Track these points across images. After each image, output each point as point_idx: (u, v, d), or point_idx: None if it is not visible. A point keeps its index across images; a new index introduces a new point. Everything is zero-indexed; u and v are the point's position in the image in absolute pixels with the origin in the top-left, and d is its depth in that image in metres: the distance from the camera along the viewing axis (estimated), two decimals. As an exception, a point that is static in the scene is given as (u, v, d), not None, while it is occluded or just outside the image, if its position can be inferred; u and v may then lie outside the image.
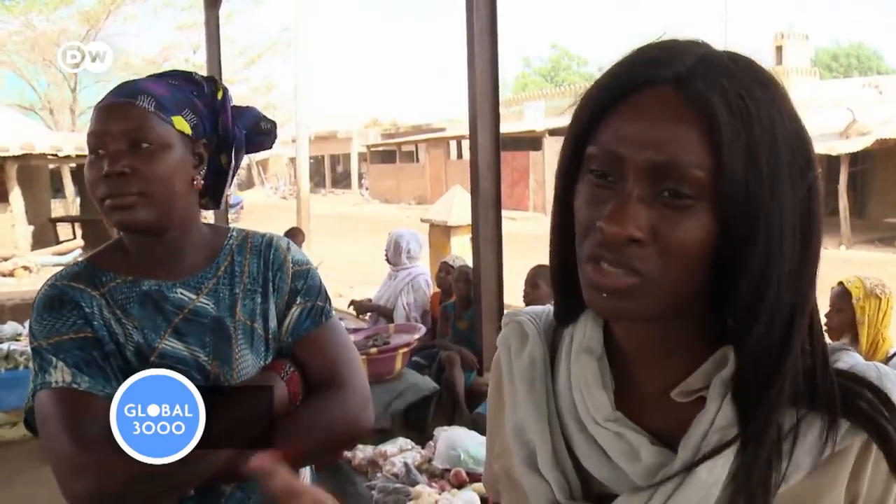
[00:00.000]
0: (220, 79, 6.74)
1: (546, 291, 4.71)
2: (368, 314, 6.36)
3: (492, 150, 4.45)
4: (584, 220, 0.76)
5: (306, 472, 1.54)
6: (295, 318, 1.46)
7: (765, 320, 0.72)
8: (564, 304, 0.89)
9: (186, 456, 1.23)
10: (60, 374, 1.27)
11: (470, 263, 5.71)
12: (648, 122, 0.72)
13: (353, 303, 6.30)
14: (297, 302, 1.48)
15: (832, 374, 0.75)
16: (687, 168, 0.69)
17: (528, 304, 4.78)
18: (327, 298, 1.54)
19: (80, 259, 1.43)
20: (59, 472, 1.22)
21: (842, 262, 13.52)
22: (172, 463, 1.21)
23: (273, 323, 1.46)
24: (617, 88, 0.75)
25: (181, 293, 1.40)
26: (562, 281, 0.86)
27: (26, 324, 5.68)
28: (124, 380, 1.28)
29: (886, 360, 3.08)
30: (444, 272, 5.81)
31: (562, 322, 0.91)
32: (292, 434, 1.34)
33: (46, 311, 1.33)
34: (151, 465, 1.20)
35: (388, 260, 6.14)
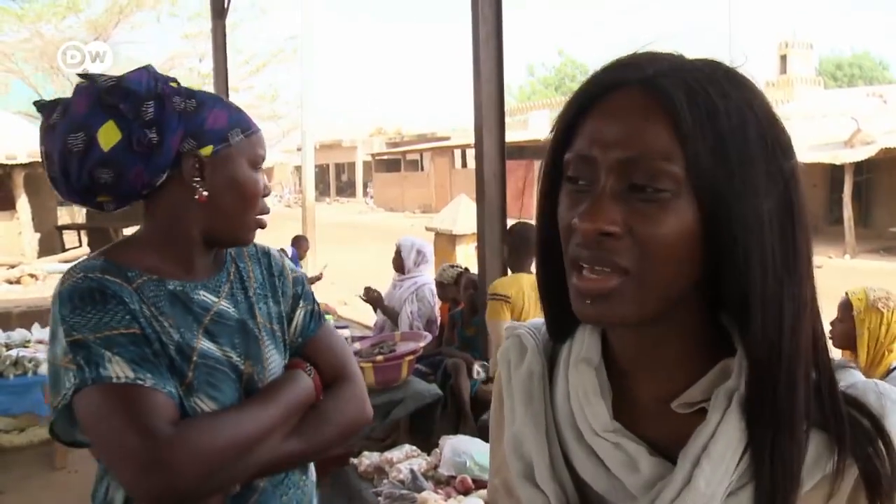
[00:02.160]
0: (227, 87, 6.75)
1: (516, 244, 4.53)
2: (374, 321, 6.34)
3: (497, 159, 4.47)
4: (564, 225, 0.77)
5: (312, 473, 1.57)
6: (300, 320, 1.55)
7: (757, 315, 0.72)
8: (555, 320, 0.89)
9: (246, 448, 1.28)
10: (120, 370, 1.22)
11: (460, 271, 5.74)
12: (616, 121, 0.73)
13: (367, 290, 6.14)
14: (300, 305, 1.57)
15: (839, 395, 0.75)
16: (656, 162, 0.70)
17: (510, 263, 4.61)
18: (317, 302, 1.64)
19: (91, 255, 1.39)
20: (130, 468, 1.19)
21: (847, 272, 13.50)
22: (234, 455, 1.26)
23: (285, 325, 1.53)
24: (589, 94, 0.77)
25: (204, 295, 1.42)
26: (550, 297, 0.87)
27: (34, 330, 5.70)
28: (174, 378, 1.28)
29: (887, 374, 3.06)
30: (452, 283, 5.80)
31: (556, 339, 0.91)
32: (321, 425, 1.44)
33: (88, 303, 1.27)
34: (222, 458, 1.24)
35: (395, 268, 6.13)
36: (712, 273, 0.74)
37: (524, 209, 26.34)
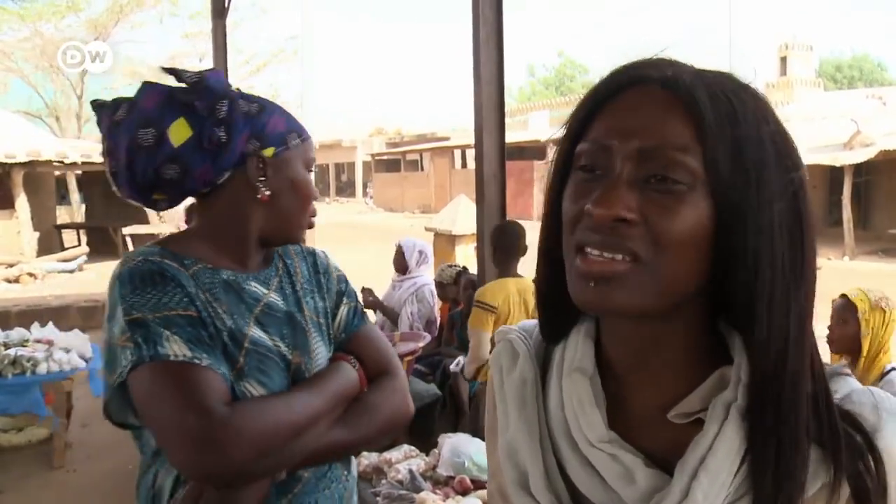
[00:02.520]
0: (227, 87, 6.79)
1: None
2: (374, 321, 6.32)
3: (497, 159, 4.45)
4: (570, 213, 0.76)
5: (354, 469, 1.59)
6: (344, 316, 1.60)
7: (764, 322, 0.71)
8: (551, 321, 0.88)
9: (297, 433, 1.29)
10: (178, 348, 1.23)
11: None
12: (636, 112, 0.74)
13: (363, 293, 6.10)
14: (344, 302, 1.62)
15: (835, 408, 0.74)
16: (674, 153, 0.71)
17: (496, 263, 4.42)
18: (360, 300, 1.69)
19: (147, 245, 1.42)
20: (184, 445, 1.19)
21: (846, 273, 13.50)
22: (285, 439, 1.27)
23: (330, 319, 1.57)
24: (606, 90, 0.78)
25: (255, 286, 1.45)
26: (548, 296, 0.86)
27: (33, 329, 5.69)
28: (227, 362, 1.30)
29: (882, 376, 3.05)
30: (451, 283, 5.80)
31: (550, 341, 0.90)
32: (365, 417, 1.46)
33: (149, 284, 1.29)
34: (274, 441, 1.25)
35: (397, 268, 6.11)
36: (716, 279, 0.73)
37: (524, 211, 26.37)
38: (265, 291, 1.46)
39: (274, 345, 1.40)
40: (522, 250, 4.35)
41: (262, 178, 1.42)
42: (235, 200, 1.43)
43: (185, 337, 1.25)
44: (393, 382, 1.55)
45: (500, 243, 4.40)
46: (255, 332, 1.38)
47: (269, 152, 1.42)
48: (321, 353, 1.49)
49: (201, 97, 1.35)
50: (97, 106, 1.42)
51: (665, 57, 0.78)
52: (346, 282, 1.66)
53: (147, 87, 1.39)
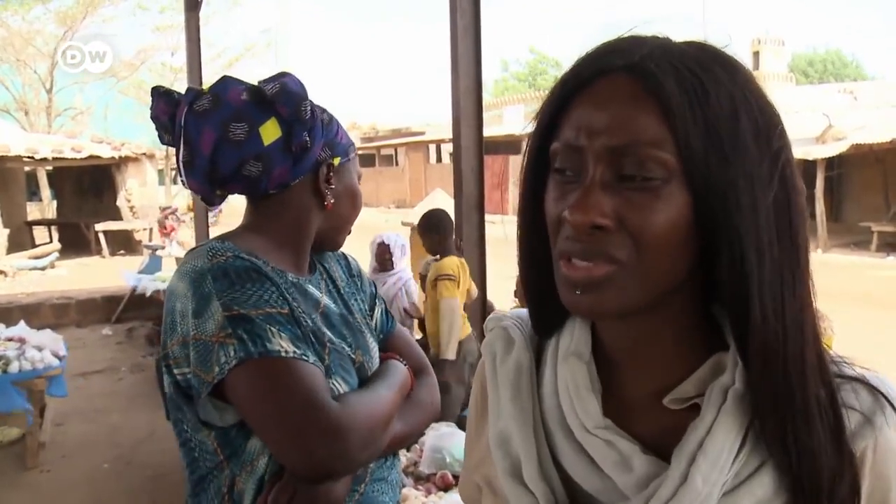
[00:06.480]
0: (201, 82, 6.71)
1: None
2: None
3: (475, 152, 4.43)
4: (552, 217, 0.75)
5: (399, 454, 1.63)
6: (379, 317, 1.64)
7: (756, 302, 0.69)
8: (540, 317, 0.86)
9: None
10: (286, 344, 1.24)
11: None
12: (602, 108, 0.71)
13: None
14: (377, 304, 1.66)
15: (839, 402, 0.73)
16: (645, 149, 0.68)
17: (435, 249, 4.97)
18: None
19: (212, 240, 1.40)
20: (302, 439, 1.20)
21: (818, 266, 13.60)
22: (382, 430, 1.31)
23: (370, 320, 1.60)
24: (573, 83, 0.74)
25: (312, 289, 1.46)
26: (535, 294, 0.85)
27: (3, 327, 5.62)
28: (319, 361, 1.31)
29: None
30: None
31: (542, 335, 0.88)
32: (416, 410, 1.51)
33: (247, 280, 1.28)
34: (377, 431, 1.30)
35: (381, 265, 6.07)
36: (706, 261, 0.71)
37: (500, 206, 26.40)
38: (320, 295, 1.47)
39: (342, 345, 1.41)
40: (452, 230, 4.91)
41: (331, 186, 1.47)
42: (302, 205, 1.46)
43: (288, 335, 1.25)
44: (431, 379, 1.61)
45: (436, 230, 4.95)
46: (328, 332, 1.39)
47: (335, 161, 1.48)
48: (376, 351, 1.53)
49: (286, 103, 1.36)
50: (160, 93, 1.40)
51: (632, 35, 0.75)
52: (375, 284, 1.70)
53: (230, 81, 1.40)
